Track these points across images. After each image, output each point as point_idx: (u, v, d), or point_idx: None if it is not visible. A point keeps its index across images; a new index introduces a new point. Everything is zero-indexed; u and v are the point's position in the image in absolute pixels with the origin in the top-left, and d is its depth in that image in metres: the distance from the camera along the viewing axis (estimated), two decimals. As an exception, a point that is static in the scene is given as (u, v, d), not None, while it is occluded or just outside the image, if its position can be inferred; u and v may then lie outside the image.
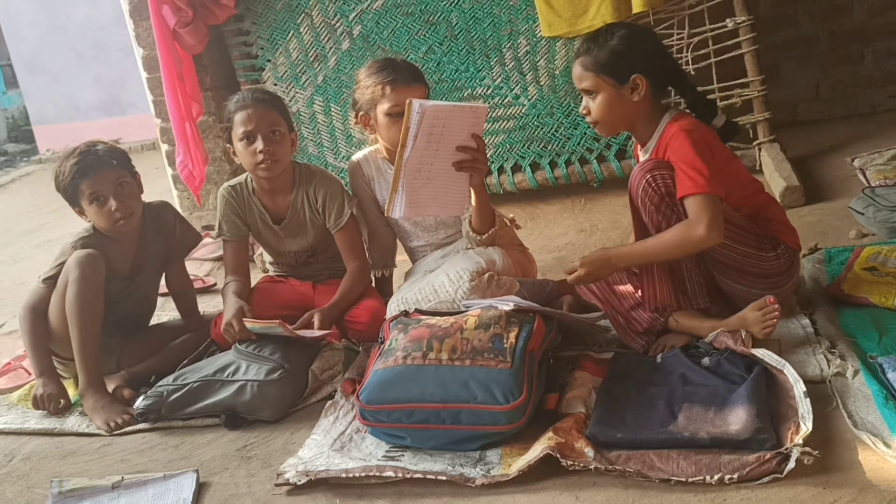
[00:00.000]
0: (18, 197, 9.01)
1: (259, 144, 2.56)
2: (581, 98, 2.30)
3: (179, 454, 2.20)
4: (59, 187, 2.58)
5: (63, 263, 2.53)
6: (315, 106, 3.99)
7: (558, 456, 1.81)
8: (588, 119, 2.27)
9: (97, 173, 2.52)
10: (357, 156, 2.76)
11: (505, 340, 2.06)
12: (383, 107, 2.51)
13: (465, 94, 3.84)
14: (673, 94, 2.39)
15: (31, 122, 11.20)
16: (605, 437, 1.87)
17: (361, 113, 2.60)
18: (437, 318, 2.23)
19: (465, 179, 2.38)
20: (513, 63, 3.77)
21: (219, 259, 3.79)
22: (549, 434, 1.89)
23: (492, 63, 3.78)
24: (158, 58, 3.76)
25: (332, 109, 3.98)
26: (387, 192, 2.68)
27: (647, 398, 2.01)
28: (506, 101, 3.83)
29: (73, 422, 2.43)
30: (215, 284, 3.58)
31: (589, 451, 1.83)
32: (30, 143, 12.31)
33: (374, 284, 2.86)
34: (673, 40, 3.58)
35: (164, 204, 2.83)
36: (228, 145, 2.68)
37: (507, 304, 2.17)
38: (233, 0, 3.79)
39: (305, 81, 3.97)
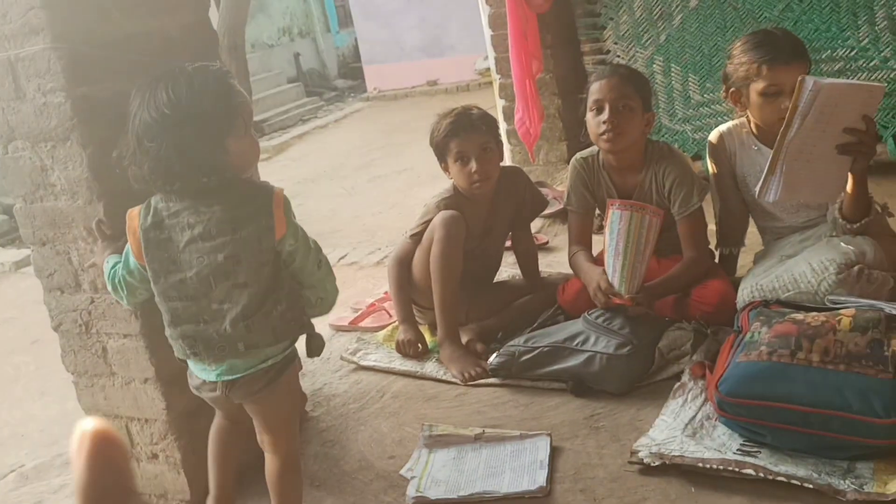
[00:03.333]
0: (350, 133, 9.91)
1: (604, 115, 2.56)
2: None
3: (530, 414, 2.32)
4: (432, 142, 2.78)
5: (428, 222, 2.74)
6: (654, 66, 3.90)
7: (950, 486, 1.66)
8: None
9: (466, 135, 2.68)
10: (721, 128, 2.65)
11: (886, 348, 1.91)
12: (757, 86, 2.38)
13: (823, 57, 3.55)
14: None
15: (362, 61, 12.13)
16: None
17: (732, 89, 2.48)
18: (804, 313, 2.12)
19: (846, 164, 2.21)
20: (885, 22, 3.41)
21: (551, 216, 3.91)
22: (937, 458, 1.75)
23: (859, 22, 3.45)
24: (507, 16, 3.87)
25: (673, 70, 3.87)
26: (748, 167, 2.58)
27: None
28: (871, 64, 3.48)
29: (431, 367, 2.65)
30: (548, 242, 3.69)
31: None
32: (356, 80, 13.43)
33: (717, 261, 2.79)
34: None
35: (516, 169, 2.95)
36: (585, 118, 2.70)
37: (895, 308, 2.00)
38: (582, -42, 3.79)
39: (647, 41, 3.89)
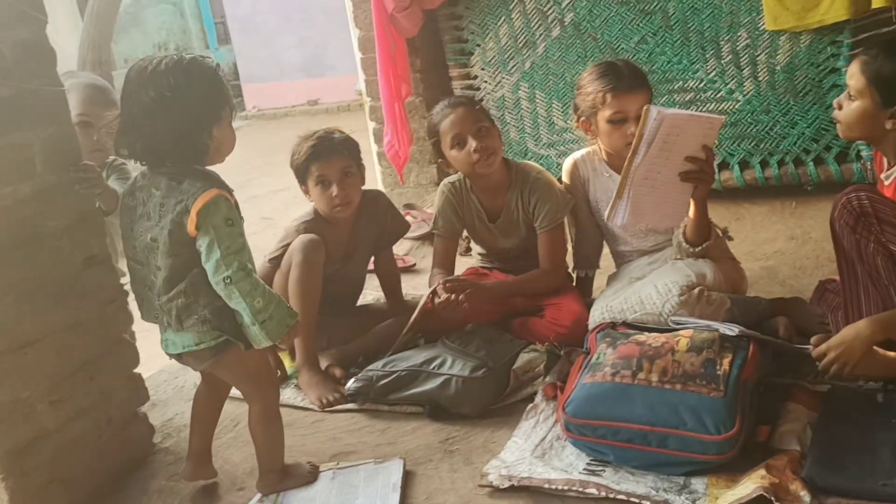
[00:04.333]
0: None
1: (472, 144, 2.61)
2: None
3: (386, 439, 2.31)
4: (293, 165, 2.75)
5: (287, 245, 2.70)
6: (520, 92, 4.00)
7: (773, 498, 1.75)
8: (834, 113, 2.22)
9: (328, 159, 2.67)
10: (575, 155, 2.76)
11: (718, 367, 2.01)
12: (604, 114, 2.48)
13: (676, 87, 3.73)
14: None
15: (241, 79, 11.93)
16: (824, 482, 1.79)
17: (583, 118, 2.58)
18: (647, 334, 2.21)
19: (689, 191, 2.32)
20: (730, 56, 3.61)
21: (419, 238, 3.93)
22: (762, 472, 1.83)
23: (707, 56, 3.64)
24: (375, 40, 3.89)
25: (537, 96, 3.98)
26: (601, 193, 2.68)
27: (869, 443, 1.90)
28: (718, 95, 3.68)
29: (289, 394, 2.60)
30: (415, 265, 3.71)
31: (805, 496, 1.76)
32: (236, 98, 13.19)
33: (574, 283, 2.87)
34: (915, 38, 3.29)
35: (378, 193, 2.95)
36: (440, 160, 2.73)
37: (731, 329, 2.11)
38: (448, -15, 3.86)
39: (513, 67, 3.99)
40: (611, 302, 2.50)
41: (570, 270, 2.88)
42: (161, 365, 2.94)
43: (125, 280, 2.19)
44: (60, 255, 2.07)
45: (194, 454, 2.16)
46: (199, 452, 2.16)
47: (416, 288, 3.41)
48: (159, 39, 13.53)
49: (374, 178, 4.45)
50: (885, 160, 2.24)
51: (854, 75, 2.13)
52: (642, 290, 2.46)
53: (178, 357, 1.98)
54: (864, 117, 2.12)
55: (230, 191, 1.90)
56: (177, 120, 1.82)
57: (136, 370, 2.35)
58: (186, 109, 1.82)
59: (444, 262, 2.82)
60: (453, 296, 2.51)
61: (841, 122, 2.19)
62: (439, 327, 2.60)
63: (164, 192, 1.86)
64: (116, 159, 2.74)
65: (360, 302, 3.09)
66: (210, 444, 2.18)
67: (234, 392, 2.65)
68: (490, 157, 2.63)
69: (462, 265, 3.00)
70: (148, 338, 2.73)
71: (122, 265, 2.19)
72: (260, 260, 2.85)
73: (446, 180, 2.84)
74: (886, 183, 2.17)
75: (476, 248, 3.00)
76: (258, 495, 2.08)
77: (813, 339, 2.11)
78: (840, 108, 2.18)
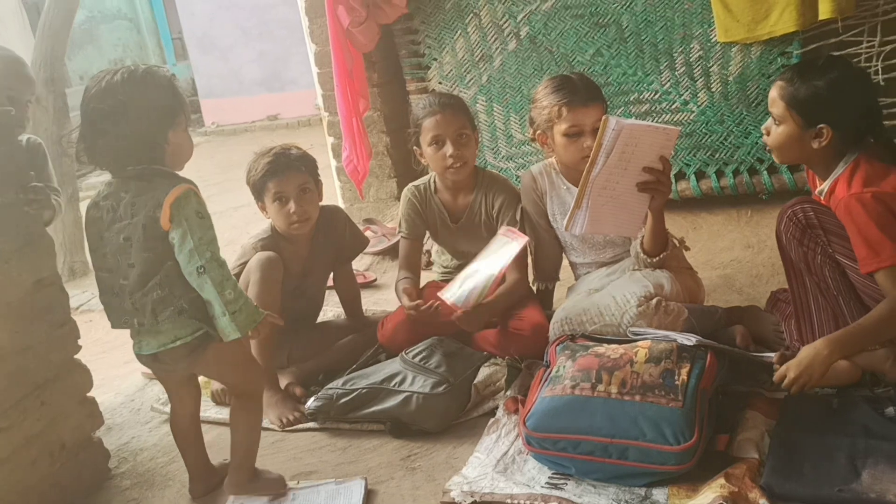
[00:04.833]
0: (186, 168, 9.56)
1: (448, 149, 2.64)
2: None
3: (347, 458, 2.29)
4: (249, 181, 2.73)
5: (245, 263, 2.67)
6: (478, 105, 4.01)
7: (731, 507, 1.76)
8: (764, 139, 2.26)
9: (285, 175, 2.65)
10: (532, 169, 2.78)
11: (676, 377, 2.03)
12: (560, 127, 2.49)
13: (631, 99, 3.76)
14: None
15: (199, 95, 11.79)
16: (782, 489, 1.81)
17: (539, 132, 2.59)
18: (606, 346, 2.22)
19: (646, 201, 2.34)
20: (683, 68, 3.65)
21: (379, 253, 3.92)
22: (721, 481, 1.85)
23: (661, 67, 3.68)
24: (331, 55, 3.87)
25: (495, 109, 3.99)
26: (558, 206, 2.70)
27: (826, 449, 1.92)
28: (673, 106, 3.72)
29: (248, 414, 2.57)
30: (376, 280, 3.69)
31: (763, 504, 1.78)
32: (193, 114, 13.01)
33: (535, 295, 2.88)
34: (862, 48, 3.37)
35: (335, 209, 2.93)
36: (416, 148, 2.74)
37: (688, 339, 2.12)
38: (404, 0, 3.85)
39: (470, 81, 4.00)
40: (570, 313, 2.51)
41: (530, 283, 2.88)
42: (117, 388, 2.89)
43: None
44: (9, 277, 2.02)
45: (196, 475, 2.19)
46: (199, 471, 2.19)
47: (376, 303, 3.40)
48: (115, 56, 13.33)
49: (334, 194, 4.42)
50: (816, 178, 2.28)
51: (774, 102, 2.18)
52: (601, 302, 2.47)
53: (153, 359, 1.99)
54: (791, 140, 2.17)
55: (197, 188, 1.97)
56: (132, 124, 1.89)
57: (90, 394, 2.30)
58: (141, 114, 1.89)
59: (410, 264, 2.85)
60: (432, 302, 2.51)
61: (772, 148, 2.23)
62: (404, 339, 2.59)
63: (135, 192, 1.92)
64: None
65: (321, 318, 3.06)
66: (206, 459, 2.20)
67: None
68: (462, 166, 2.67)
69: (423, 279, 2.99)
70: (103, 360, 2.68)
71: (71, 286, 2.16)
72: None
73: (410, 185, 2.88)
74: (821, 199, 2.21)
75: (437, 261, 3.01)
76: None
77: (774, 357, 2.13)
78: (768, 133, 2.22)
